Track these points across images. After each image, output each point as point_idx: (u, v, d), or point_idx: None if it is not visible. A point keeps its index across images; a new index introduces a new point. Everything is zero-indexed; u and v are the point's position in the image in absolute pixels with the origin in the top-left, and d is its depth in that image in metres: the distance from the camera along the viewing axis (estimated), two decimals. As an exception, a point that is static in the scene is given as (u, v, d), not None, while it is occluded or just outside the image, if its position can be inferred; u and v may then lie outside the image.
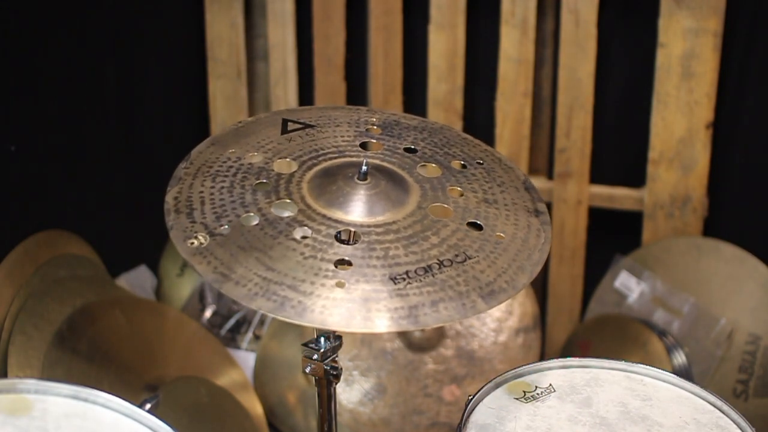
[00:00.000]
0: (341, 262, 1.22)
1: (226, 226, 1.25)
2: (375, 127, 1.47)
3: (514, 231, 1.32)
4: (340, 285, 1.19)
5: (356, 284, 1.19)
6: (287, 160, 1.38)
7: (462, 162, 1.43)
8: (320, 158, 1.38)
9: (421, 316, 1.18)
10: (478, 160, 1.43)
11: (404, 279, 1.21)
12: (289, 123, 1.46)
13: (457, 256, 1.25)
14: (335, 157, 1.39)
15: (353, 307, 1.17)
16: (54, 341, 1.97)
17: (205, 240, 1.23)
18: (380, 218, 1.29)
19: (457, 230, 1.29)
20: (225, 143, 1.40)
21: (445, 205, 1.33)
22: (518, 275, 1.26)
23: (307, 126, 1.45)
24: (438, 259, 1.24)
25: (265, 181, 1.33)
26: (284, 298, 1.17)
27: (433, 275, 1.22)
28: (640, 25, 2.39)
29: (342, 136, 1.44)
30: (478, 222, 1.32)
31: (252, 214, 1.27)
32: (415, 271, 1.22)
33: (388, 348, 2.26)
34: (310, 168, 1.36)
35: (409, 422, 2.22)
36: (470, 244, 1.27)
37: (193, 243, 1.23)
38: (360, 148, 1.42)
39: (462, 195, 1.36)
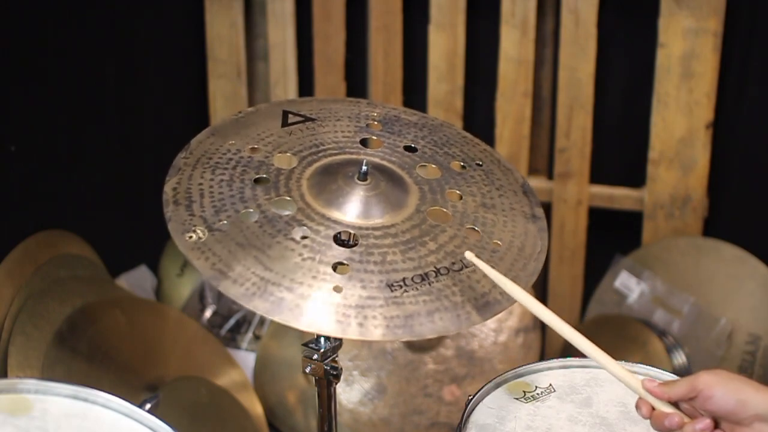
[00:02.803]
0: (339, 265, 1.21)
1: (225, 222, 1.24)
2: (375, 123, 1.46)
3: (511, 239, 1.31)
4: (337, 289, 1.18)
5: (353, 290, 1.18)
6: (287, 154, 1.36)
7: (461, 163, 1.42)
8: (320, 154, 1.37)
9: (417, 326, 1.17)
10: (477, 162, 1.43)
11: (401, 286, 1.20)
12: (289, 115, 1.44)
13: (453, 263, 1.24)
14: (335, 154, 1.38)
15: (350, 313, 1.16)
16: (54, 341, 1.97)
17: (204, 234, 1.22)
18: (378, 221, 1.28)
19: (455, 236, 1.28)
20: (225, 134, 1.38)
21: (444, 210, 1.32)
22: None
23: (307, 119, 1.44)
24: (435, 267, 1.23)
25: (264, 176, 1.31)
26: (281, 299, 1.17)
27: (429, 284, 1.21)
28: (640, 25, 2.39)
29: (342, 131, 1.43)
30: (476, 228, 1.31)
31: (251, 210, 1.26)
32: (412, 279, 1.21)
33: (388, 348, 2.26)
34: (310, 164, 1.35)
35: (409, 422, 2.22)
36: (467, 251, 1.26)
37: (191, 237, 1.21)
38: (360, 145, 1.41)
39: (461, 198, 1.35)
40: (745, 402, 1.12)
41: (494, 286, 1.23)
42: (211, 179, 1.29)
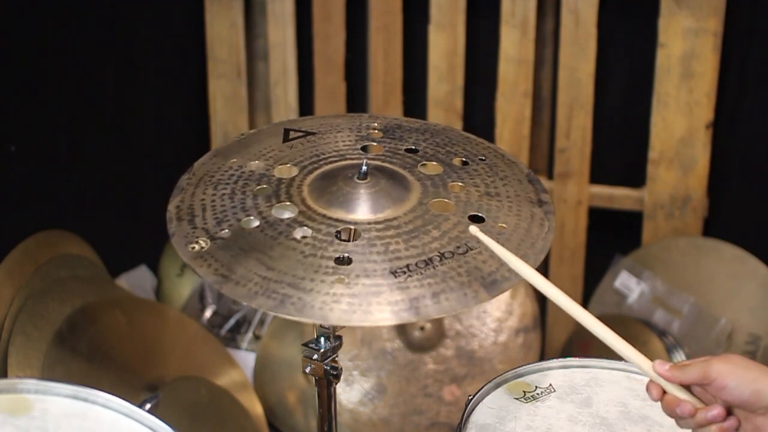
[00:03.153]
0: (341, 260, 1.22)
1: (227, 230, 1.25)
2: (376, 131, 1.47)
3: (516, 221, 1.31)
4: (340, 281, 1.19)
5: (356, 279, 1.19)
6: (288, 165, 1.38)
7: (464, 159, 1.42)
8: (321, 162, 1.39)
9: (423, 308, 1.17)
10: (481, 157, 1.43)
11: (405, 272, 1.20)
12: (290, 132, 1.46)
13: (458, 247, 1.25)
14: (336, 161, 1.39)
15: (354, 301, 1.17)
16: (54, 341, 1.97)
17: (206, 244, 1.24)
18: (381, 215, 1.29)
19: (458, 223, 1.29)
20: (227, 155, 1.41)
21: (446, 200, 1.33)
22: None
23: (308, 134, 1.46)
24: (439, 252, 1.24)
25: (265, 186, 1.33)
26: (284, 295, 1.17)
27: (434, 267, 1.22)
28: (640, 25, 2.39)
29: (343, 141, 1.44)
30: (480, 214, 1.31)
31: (252, 217, 1.27)
32: (416, 264, 1.22)
33: (388, 348, 2.26)
34: (310, 172, 1.37)
35: (409, 422, 2.22)
36: (472, 235, 1.27)
37: (194, 247, 1.23)
38: (361, 152, 1.42)
39: (464, 189, 1.36)
40: (760, 392, 1.09)
41: (501, 264, 1.23)
42: (213, 194, 1.32)
